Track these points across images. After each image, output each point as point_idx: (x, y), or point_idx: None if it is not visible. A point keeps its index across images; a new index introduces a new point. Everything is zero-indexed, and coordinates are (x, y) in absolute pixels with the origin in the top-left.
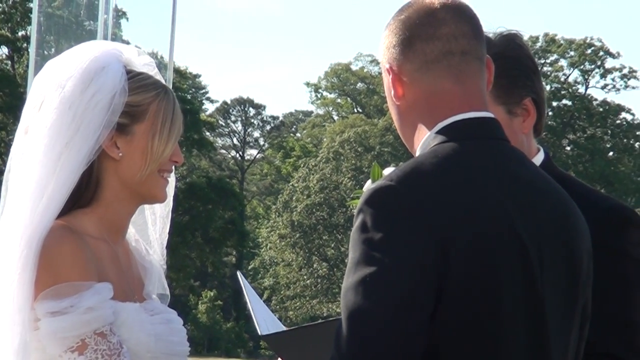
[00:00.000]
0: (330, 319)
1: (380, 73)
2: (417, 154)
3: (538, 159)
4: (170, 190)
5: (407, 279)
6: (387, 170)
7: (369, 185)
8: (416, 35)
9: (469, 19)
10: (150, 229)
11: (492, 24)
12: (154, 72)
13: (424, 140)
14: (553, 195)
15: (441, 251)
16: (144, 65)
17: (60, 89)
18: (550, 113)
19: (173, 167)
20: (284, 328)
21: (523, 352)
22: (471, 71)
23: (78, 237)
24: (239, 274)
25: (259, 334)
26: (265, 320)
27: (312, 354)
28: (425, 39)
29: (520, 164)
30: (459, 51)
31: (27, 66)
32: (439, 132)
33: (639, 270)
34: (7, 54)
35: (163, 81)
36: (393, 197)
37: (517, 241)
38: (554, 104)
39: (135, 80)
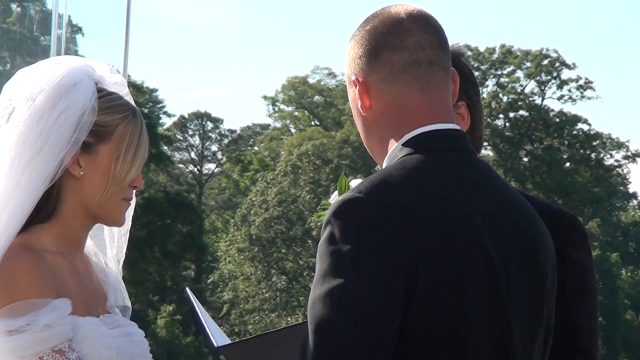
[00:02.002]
0: (289, 325)
1: (337, 85)
2: (384, 165)
3: None
4: (130, 211)
5: (375, 292)
6: (354, 182)
7: (335, 197)
8: (382, 45)
9: (434, 29)
10: (108, 247)
11: (450, 36)
12: (124, 92)
13: (390, 152)
14: (519, 208)
15: (409, 264)
16: (115, 84)
17: (30, 102)
18: (507, 124)
19: (134, 193)
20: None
21: None
22: (437, 81)
23: (34, 254)
24: (187, 290)
25: (215, 345)
26: (218, 333)
27: None
28: (392, 48)
29: (487, 177)
30: (425, 61)
31: None
32: (405, 144)
33: (582, 275)
34: None
35: (133, 102)
36: (361, 209)
37: (485, 254)
38: (511, 114)
39: (106, 100)
